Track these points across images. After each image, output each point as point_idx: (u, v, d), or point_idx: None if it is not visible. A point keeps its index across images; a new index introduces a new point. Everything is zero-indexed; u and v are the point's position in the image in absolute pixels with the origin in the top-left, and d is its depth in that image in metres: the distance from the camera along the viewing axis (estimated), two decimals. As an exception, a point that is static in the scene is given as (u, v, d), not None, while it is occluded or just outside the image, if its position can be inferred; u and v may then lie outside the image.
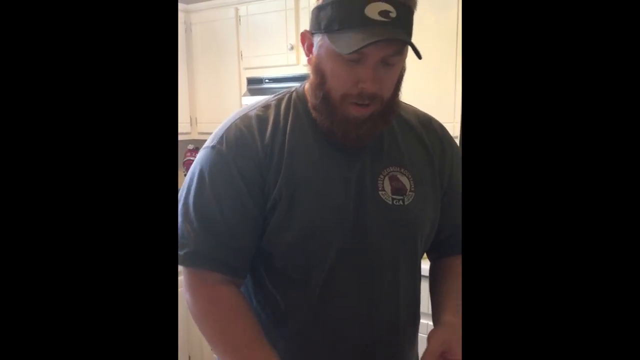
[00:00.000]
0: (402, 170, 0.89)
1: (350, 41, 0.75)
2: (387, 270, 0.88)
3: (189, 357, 2.55)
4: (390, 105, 0.83)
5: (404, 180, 0.89)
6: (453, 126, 1.92)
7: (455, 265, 0.98)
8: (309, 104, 0.86)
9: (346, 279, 0.86)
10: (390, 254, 0.88)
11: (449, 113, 1.93)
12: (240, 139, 0.83)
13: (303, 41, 0.85)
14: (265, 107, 0.88)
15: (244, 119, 0.86)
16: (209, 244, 0.82)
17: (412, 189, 0.89)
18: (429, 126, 0.96)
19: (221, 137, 0.85)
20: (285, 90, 0.92)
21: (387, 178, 0.88)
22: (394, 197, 0.87)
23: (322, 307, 0.86)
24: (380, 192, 0.87)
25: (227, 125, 0.86)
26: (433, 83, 1.95)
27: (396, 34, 0.76)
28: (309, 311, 0.87)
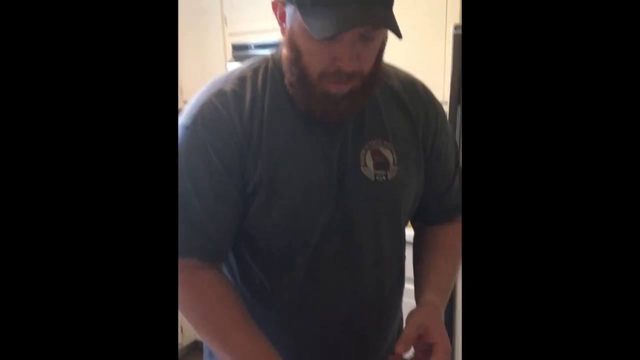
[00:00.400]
0: (385, 142, 0.86)
1: (324, 24, 0.69)
2: (371, 246, 0.87)
3: (181, 328, 2.55)
4: (371, 80, 0.79)
5: (387, 153, 0.86)
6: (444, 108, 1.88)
7: (439, 235, 0.96)
8: (286, 80, 0.81)
9: (331, 257, 0.85)
10: (374, 230, 0.87)
11: (438, 92, 1.89)
12: (217, 118, 0.78)
13: (275, 9, 0.78)
14: (241, 79, 0.82)
15: (219, 95, 0.80)
16: (185, 230, 0.78)
17: (396, 163, 0.86)
18: (412, 90, 0.91)
19: (195, 116, 0.79)
20: (260, 57, 0.87)
21: (369, 152, 0.85)
22: (377, 172, 0.85)
23: (307, 286, 0.85)
24: (362, 168, 0.84)
25: (201, 103, 0.80)
26: (422, 59, 1.90)
27: (374, 15, 0.69)
28: (294, 291, 0.86)
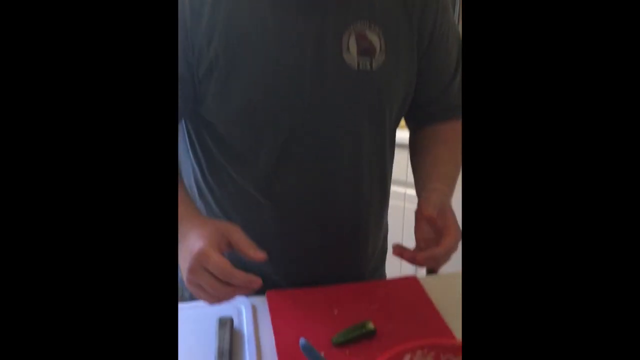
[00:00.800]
0: (372, 25, 0.75)
1: None
2: (348, 144, 0.79)
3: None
4: None
5: (373, 38, 0.75)
6: None
7: (439, 131, 0.88)
8: None
9: (300, 154, 0.78)
10: (352, 126, 0.78)
11: None
12: None
13: None
14: None
15: None
16: None
17: (383, 49, 0.75)
18: None
19: None
20: None
21: (352, 36, 0.74)
22: (361, 59, 0.74)
23: (274, 183, 0.80)
24: (344, 54, 0.73)
25: None
26: None
27: None
28: (259, 187, 0.80)
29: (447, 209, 0.75)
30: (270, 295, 0.85)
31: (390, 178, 0.93)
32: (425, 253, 0.72)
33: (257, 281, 0.65)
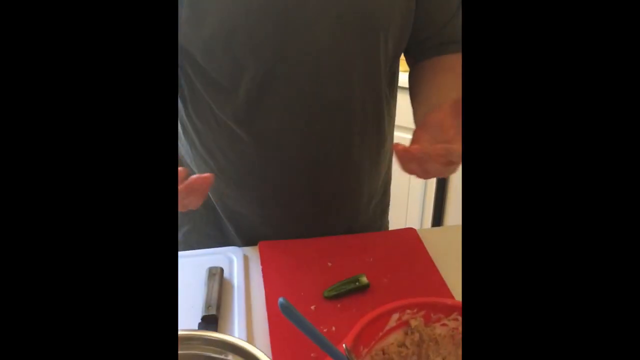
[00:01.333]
0: None
1: None
2: (336, 73, 0.73)
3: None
4: None
5: None
6: None
7: (443, 60, 0.80)
8: None
9: (283, 84, 0.72)
10: (341, 55, 0.72)
11: None
12: None
13: None
14: None
15: None
16: None
17: None
18: None
19: None
20: None
21: None
22: None
23: (255, 116, 0.75)
24: None
25: None
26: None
27: None
28: (240, 121, 0.76)
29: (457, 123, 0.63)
30: (262, 245, 0.83)
31: (391, 120, 0.88)
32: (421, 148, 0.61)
33: (209, 177, 0.61)
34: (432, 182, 1.69)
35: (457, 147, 0.58)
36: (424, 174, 0.62)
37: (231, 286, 0.76)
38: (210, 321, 0.69)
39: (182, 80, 0.78)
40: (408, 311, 0.60)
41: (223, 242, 0.87)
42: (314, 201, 0.84)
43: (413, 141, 0.65)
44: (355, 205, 0.88)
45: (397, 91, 0.88)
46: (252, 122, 0.76)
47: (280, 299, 0.51)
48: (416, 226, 0.95)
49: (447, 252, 0.83)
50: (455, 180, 1.76)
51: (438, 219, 1.62)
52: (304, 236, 0.85)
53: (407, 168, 0.62)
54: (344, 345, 0.53)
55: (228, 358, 0.50)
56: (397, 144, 0.61)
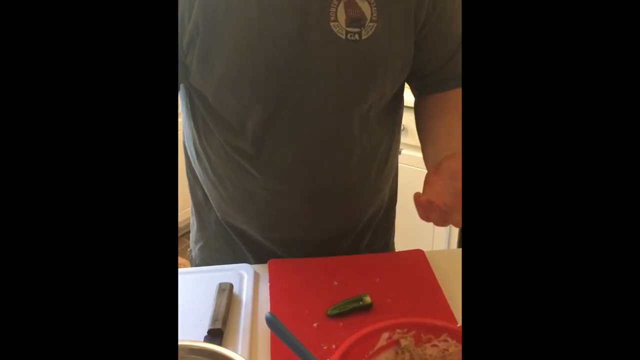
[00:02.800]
0: None
1: None
2: (336, 114, 0.77)
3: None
4: None
5: (364, 6, 0.72)
6: None
7: (449, 96, 0.82)
8: None
9: (288, 125, 0.77)
10: (340, 99, 0.76)
11: None
12: None
13: None
14: None
15: None
16: None
17: (374, 19, 0.72)
18: None
19: None
20: None
21: (341, 4, 0.71)
22: (349, 29, 0.71)
23: (261, 154, 0.80)
24: (331, 24, 0.70)
25: None
26: None
27: None
28: (247, 157, 0.81)
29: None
30: (272, 263, 0.86)
31: (394, 147, 0.90)
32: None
33: None
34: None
35: None
36: (443, 223, 0.65)
37: (240, 302, 0.79)
38: (215, 334, 0.72)
39: (192, 112, 0.83)
40: (398, 330, 0.62)
41: (235, 258, 0.91)
42: (316, 227, 0.88)
43: (427, 185, 0.68)
44: (357, 226, 0.91)
45: (401, 112, 0.90)
46: (258, 157, 0.81)
47: (267, 314, 0.53)
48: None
49: (454, 275, 0.83)
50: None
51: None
52: (309, 255, 0.87)
53: (428, 217, 0.65)
54: (328, 360, 0.55)
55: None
56: (419, 195, 0.64)
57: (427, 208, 0.63)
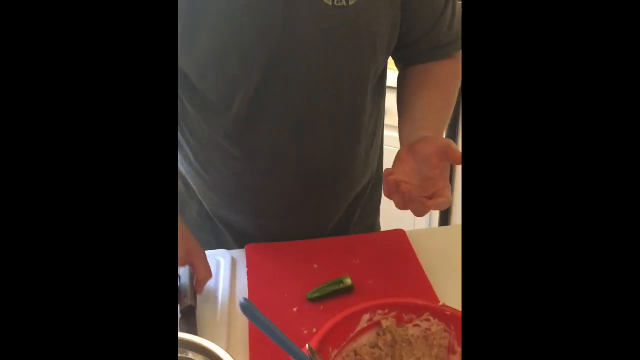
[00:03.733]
0: None
1: None
2: (325, 86, 0.75)
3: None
4: None
5: None
6: None
7: (430, 72, 0.81)
8: None
9: (274, 101, 0.74)
10: (329, 66, 0.73)
11: None
12: None
13: None
14: None
15: None
16: None
17: None
18: None
19: None
20: None
21: None
22: None
23: (246, 133, 0.77)
24: None
25: None
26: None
27: None
28: (231, 138, 0.78)
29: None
30: (249, 248, 0.84)
31: (380, 124, 0.89)
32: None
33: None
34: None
35: (437, 203, 0.63)
36: (403, 207, 0.65)
37: (216, 290, 0.77)
38: (189, 313, 0.70)
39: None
40: (379, 312, 0.60)
41: (218, 248, 0.88)
42: (307, 210, 0.86)
43: (398, 162, 0.68)
44: (347, 206, 0.89)
45: (385, 90, 0.88)
46: (243, 138, 0.78)
47: (242, 299, 0.51)
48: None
49: (436, 254, 0.82)
50: (460, 182, 1.74)
51: (445, 219, 1.60)
52: (293, 239, 0.85)
53: (390, 196, 0.65)
54: (307, 345, 0.53)
55: (189, 357, 0.50)
56: (389, 172, 0.64)
57: (392, 189, 0.63)
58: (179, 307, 0.70)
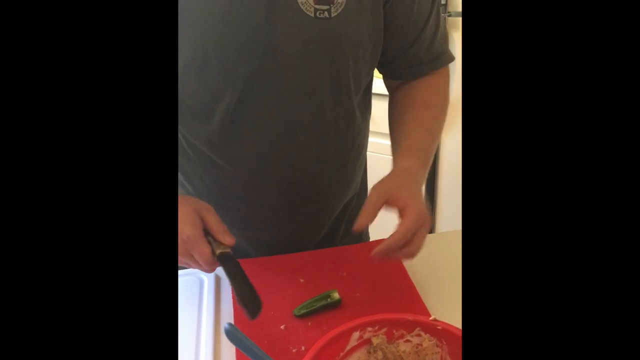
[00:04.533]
0: None
1: None
2: (307, 97, 0.74)
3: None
4: None
5: None
6: None
7: (413, 91, 0.82)
8: None
9: (256, 110, 0.73)
10: (311, 78, 0.73)
11: None
12: None
13: None
14: None
15: None
16: None
17: None
18: None
19: None
20: None
21: None
22: (318, 7, 0.68)
23: (229, 143, 0.76)
24: (299, 1, 0.68)
25: None
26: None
27: None
28: (214, 148, 0.77)
29: (405, 187, 0.70)
30: (233, 265, 0.81)
31: (365, 133, 0.88)
32: (379, 249, 0.67)
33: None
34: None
35: (402, 254, 0.69)
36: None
37: (200, 310, 0.74)
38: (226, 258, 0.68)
39: None
40: (369, 329, 0.58)
41: None
42: (291, 220, 0.85)
43: (370, 193, 0.71)
44: (332, 216, 0.88)
45: (371, 99, 0.88)
46: (226, 147, 0.77)
47: (226, 325, 0.49)
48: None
49: (422, 262, 0.80)
50: (445, 188, 1.74)
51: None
52: (279, 250, 0.84)
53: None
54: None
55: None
56: (359, 226, 0.68)
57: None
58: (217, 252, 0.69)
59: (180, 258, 0.70)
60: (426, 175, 0.78)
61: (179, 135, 0.79)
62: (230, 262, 0.68)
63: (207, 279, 0.80)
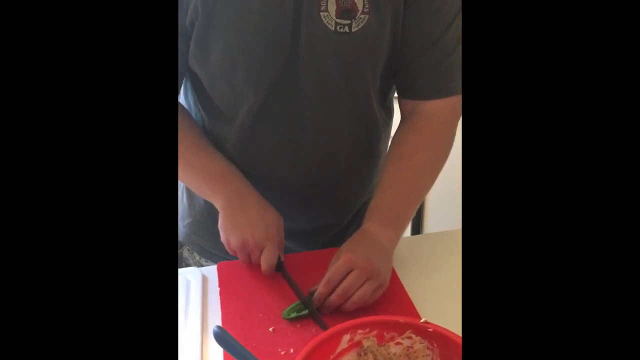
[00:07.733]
0: None
1: None
2: (326, 108, 0.77)
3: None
4: None
5: None
6: None
7: (400, 139, 0.80)
8: None
9: (277, 115, 0.77)
10: (329, 88, 0.75)
11: None
12: None
13: None
14: None
15: None
16: None
17: (366, 11, 0.70)
18: None
19: None
20: None
21: None
22: (339, 21, 0.70)
23: (249, 143, 0.80)
24: (322, 14, 0.70)
25: None
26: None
27: None
28: (235, 147, 0.81)
29: (366, 260, 0.70)
30: (221, 266, 0.81)
31: (385, 140, 0.89)
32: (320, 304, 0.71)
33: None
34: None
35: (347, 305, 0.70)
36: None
37: (186, 311, 0.73)
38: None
39: (183, 100, 0.85)
40: (360, 331, 0.58)
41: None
42: (302, 218, 0.87)
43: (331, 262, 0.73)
44: (346, 219, 0.91)
45: (392, 106, 0.89)
46: (245, 146, 0.81)
47: (214, 328, 0.48)
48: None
49: (409, 263, 0.81)
50: (432, 188, 1.74)
51: (417, 227, 1.60)
52: (293, 247, 0.85)
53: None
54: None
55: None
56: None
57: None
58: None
59: (241, 248, 0.76)
60: (399, 234, 0.77)
61: (209, 129, 0.83)
62: (286, 270, 0.77)
63: (194, 279, 0.78)
